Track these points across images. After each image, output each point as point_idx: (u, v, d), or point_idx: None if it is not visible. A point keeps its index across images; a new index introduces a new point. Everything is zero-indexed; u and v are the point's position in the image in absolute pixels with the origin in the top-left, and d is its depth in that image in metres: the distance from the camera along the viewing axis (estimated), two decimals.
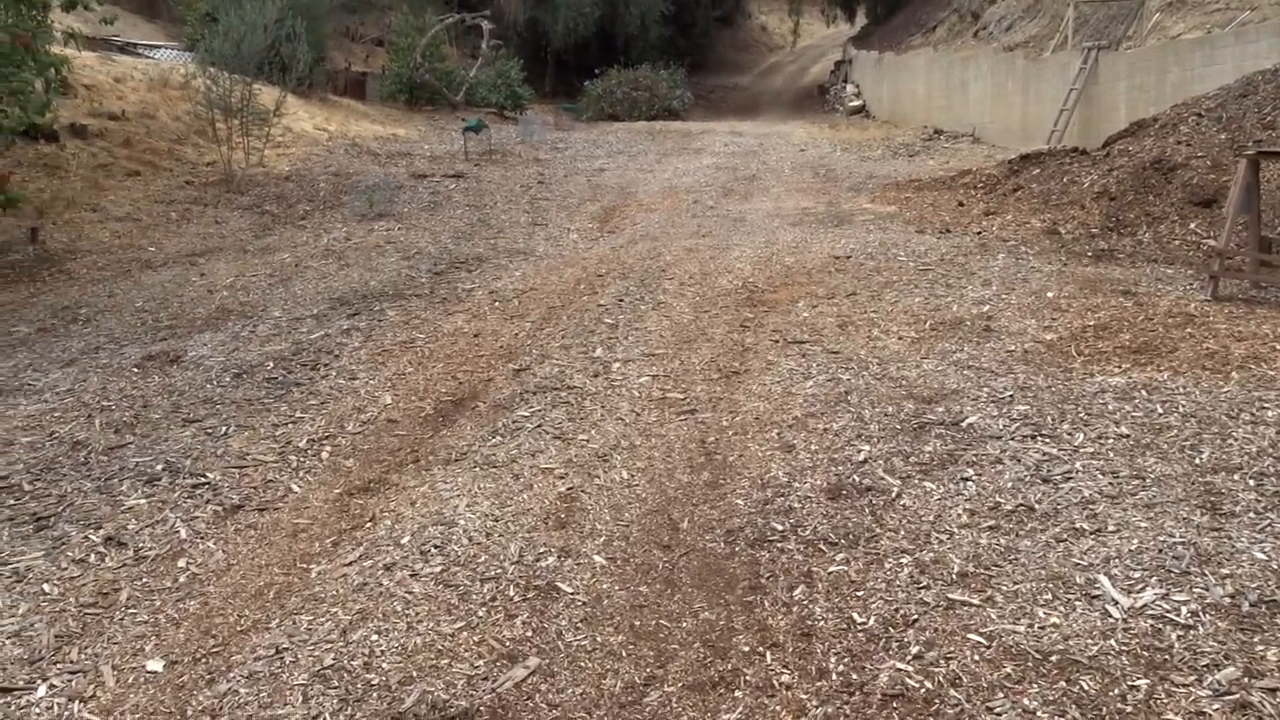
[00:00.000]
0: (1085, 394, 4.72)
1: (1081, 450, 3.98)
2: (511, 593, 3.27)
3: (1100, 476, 3.68)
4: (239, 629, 3.24)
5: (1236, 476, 3.55)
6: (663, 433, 4.73)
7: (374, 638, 3.06)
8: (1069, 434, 4.16)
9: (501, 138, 21.26)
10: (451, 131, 21.69)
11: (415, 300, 8.15)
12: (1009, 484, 3.71)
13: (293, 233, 12.09)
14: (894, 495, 3.73)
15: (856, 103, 26.52)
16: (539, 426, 4.90)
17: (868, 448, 4.23)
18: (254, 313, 8.14)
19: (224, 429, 5.23)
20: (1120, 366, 5.15)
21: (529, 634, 3.02)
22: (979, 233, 9.49)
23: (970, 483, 3.76)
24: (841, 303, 7.08)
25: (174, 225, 12.64)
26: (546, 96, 30.46)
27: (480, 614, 3.15)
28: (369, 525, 3.94)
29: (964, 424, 4.41)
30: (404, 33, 25.38)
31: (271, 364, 6.37)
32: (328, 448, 4.92)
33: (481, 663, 2.89)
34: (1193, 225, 8.57)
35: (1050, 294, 6.77)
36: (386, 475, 4.49)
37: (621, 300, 7.59)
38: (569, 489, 4.08)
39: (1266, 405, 4.31)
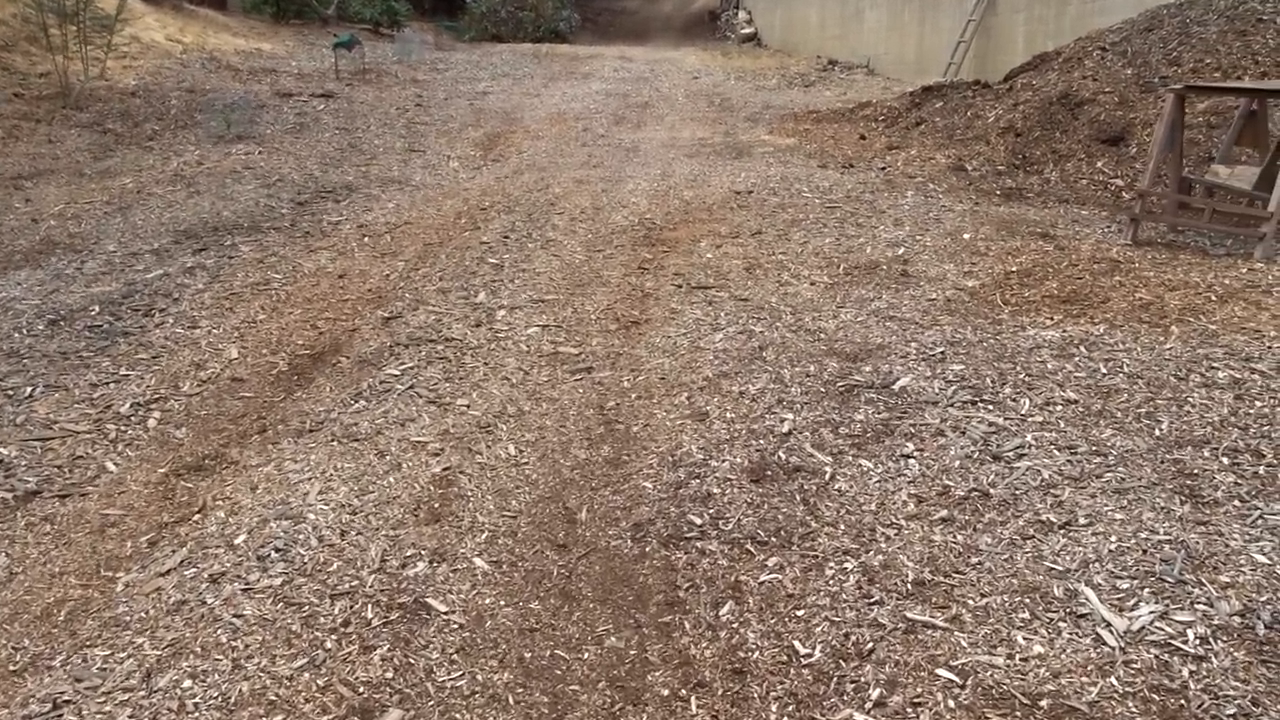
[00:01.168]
0: (1020, 350, 4.28)
1: (1029, 419, 3.53)
2: (370, 614, 2.63)
3: (1057, 453, 3.23)
4: (10, 668, 2.52)
5: (1206, 453, 3.14)
6: (555, 395, 4.11)
7: (187, 683, 2.39)
8: (1012, 399, 3.71)
9: (377, 56, 19.86)
10: (322, 48, 20.14)
11: (273, 234, 7.25)
12: (956, 463, 3.23)
13: (138, 155, 10.85)
14: (827, 477, 3.21)
15: (749, 30, 25.83)
16: (411, 388, 4.22)
17: (791, 416, 3.69)
18: (84, 246, 7.12)
19: (28, 390, 4.38)
20: (1051, 318, 4.75)
21: (390, 674, 2.40)
22: (883, 168, 9.05)
23: (912, 460, 3.26)
24: (747, 243, 6.52)
25: None
26: (426, 14, 28.77)
27: (329, 646, 2.50)
28: (196, 518, 3.22)
29: (896, 386, 3.92)
30: None
31: (97, 309, 5.47)
32: (156, 414, 4.13)
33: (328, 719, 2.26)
34: (1100, 164, 8.29)
35: (966, 235, 6.35)
36: (225, 450, 3.76)
37: (507, 237, 6.86)
38: (445, 470, 3.43)
39: (1215, 365, 3.94)
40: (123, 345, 4.90)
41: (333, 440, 3.70)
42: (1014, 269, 5.57)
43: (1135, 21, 9.98)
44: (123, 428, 4.00)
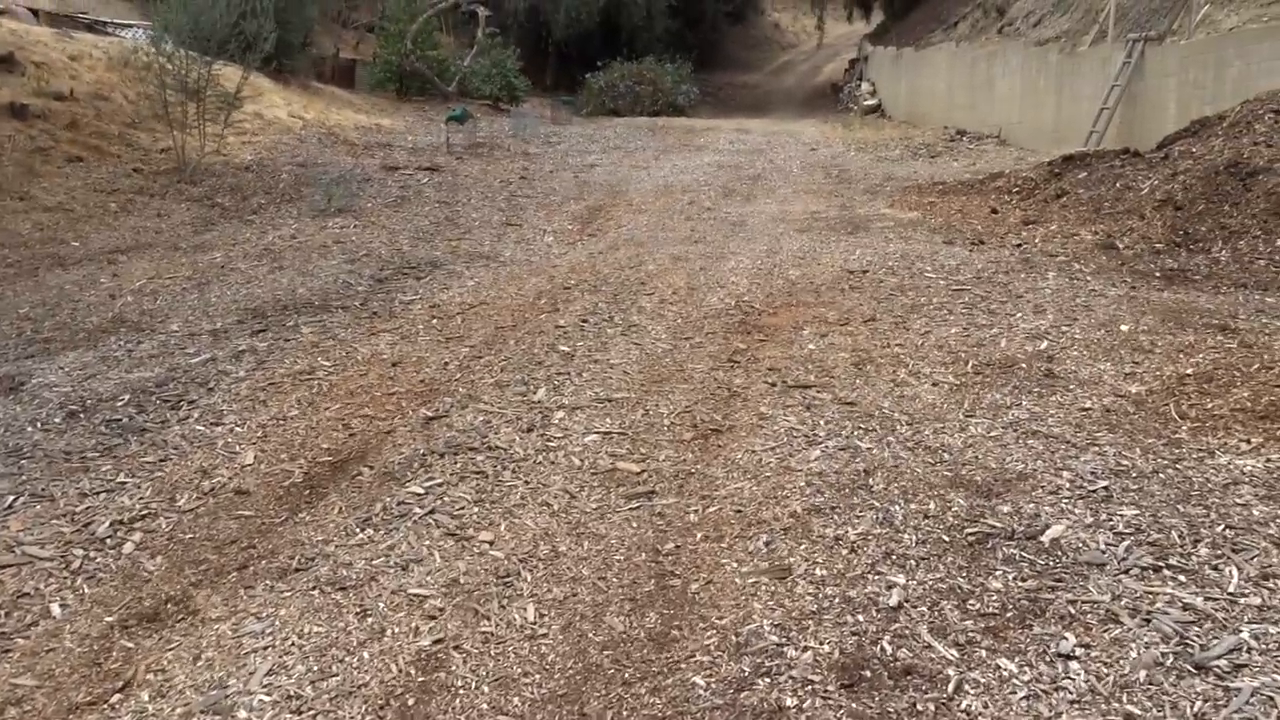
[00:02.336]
0: (1213, 487, 3.26)
1: (1242, 602, 2.53)
2: None
3: None
4: None
5: None
6: (602, 531, 3.28)
7: None
8: (1213, 567, 2.71)
9: (493, 130, 19.87)
10: (440, 124, 20.28)
11: (340, 314, 6.71)
12: (1141, 673, 2.26)
13: (236, 229, 10.67)
14: (950, 687, 2.28)
15: (871, 101, 25.04)
16: (430, 513, 3.46)
17: (903, 579, 2.77)
18: (149, 324, 6.72)
19: (10, 499, 3.80)
20: (1248, 439, 3.69)
21: None
22: (1019, 245, 8.02)
23: (1074, 665, 2.31)
24: (857, 331, 5.62)
25: (109, 217, 11.22)
26: (546, 90, 29.05)
27: None
28: (116, 699, 2.50)
29: (1045, 539, 2.95)
30: (395, 18, 23.94)
31: (126, 399, 4.95)
32: (136, 535, 3.48)
33: None
34: (1279, 241, 7.09)
35: (1124, 327, 5.31)
36: (192, 592, 3.05)
37: (585, 321, 6.14)
38: (437, 643, 2.64)
39: None
40: (133, 445, 4.32)
41: (314, 588, 2.95)
42: (1189, 371, 4.51)
43: None
44: (92, 554, 3.35)
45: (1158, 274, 6.84)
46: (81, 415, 4.73)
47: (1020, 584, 2.70)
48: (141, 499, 3.78)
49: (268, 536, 3.41)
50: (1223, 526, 2.95)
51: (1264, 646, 2.33)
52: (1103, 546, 2.87)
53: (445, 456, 3.98)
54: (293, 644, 2.64)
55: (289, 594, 2.92)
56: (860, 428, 4.09)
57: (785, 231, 9.40)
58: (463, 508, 3.49)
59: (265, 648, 2.63)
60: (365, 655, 2.58)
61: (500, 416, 4.42)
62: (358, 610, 2.80)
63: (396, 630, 2.69)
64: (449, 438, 4.19)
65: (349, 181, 12.86)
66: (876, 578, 2.78)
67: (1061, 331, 5.33)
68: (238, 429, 4.49)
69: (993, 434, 3.94)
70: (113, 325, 6.79)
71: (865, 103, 25.01)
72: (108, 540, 3.46)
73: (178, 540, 3.44)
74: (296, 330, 6.30)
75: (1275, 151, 7.84)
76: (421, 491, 3.64)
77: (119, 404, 4.88)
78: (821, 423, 4.18)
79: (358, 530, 3.36)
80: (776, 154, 16.34)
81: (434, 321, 6.40)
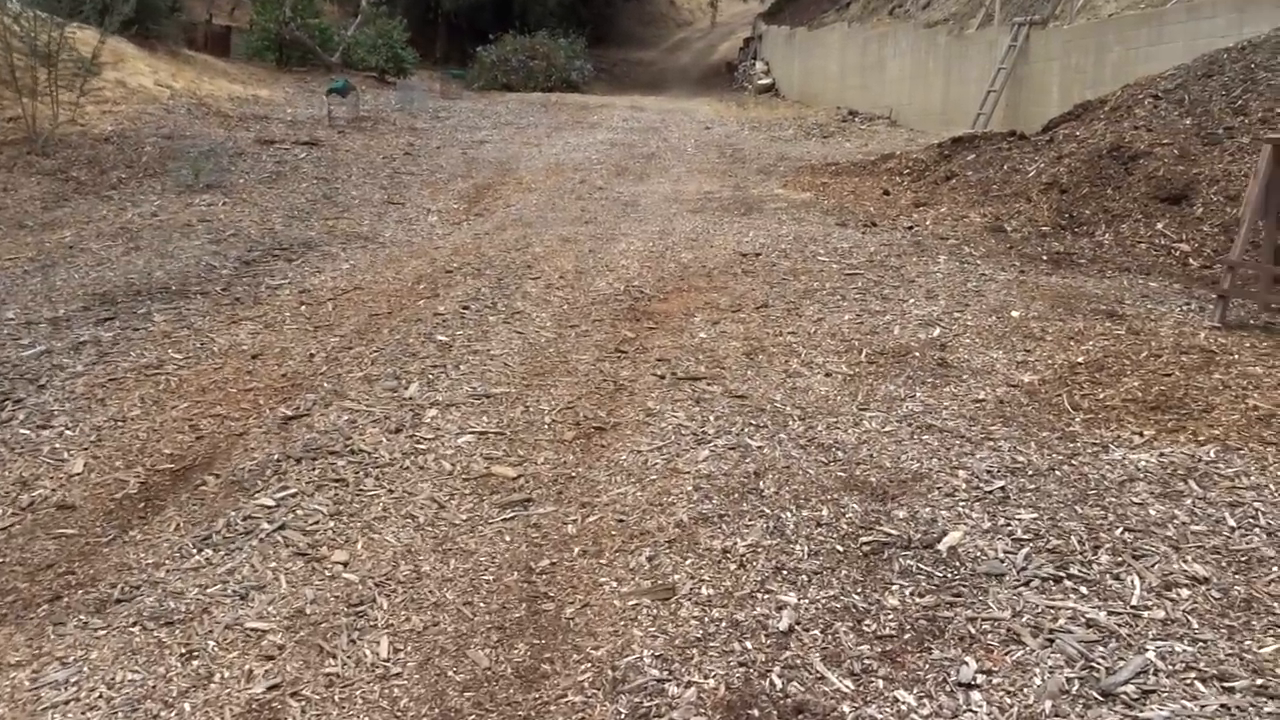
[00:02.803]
0: (1109, 484, 3.15)
1: (1146, 615, 2.39)
2: None
3: (1202, 689, 2.08)
4: None
5: None
6: (471, 546, 2.98)
7: None
8: (1114, 576, 2.57)
9: (378, 104, 19.13)
10: (322, 95, 19.40)
11: (199, 300, 6.21)
12: (1046, 704, 2.08)
13: (92, 205, 9.91)
14: None
15: (766, 81, 25.04)
16: (280, 528, 3.11)
17: (794, 598, 2.55)
18: None
19: None
20: (1140, 432, 3.61)
21: None
22: (910, 227, 7.96)
23: (976, 695, 2.12)
24: (749, 318, 5.42)
25: None
26: (435, 63, 28.20)
27: None
28: None
29: (943, 547, 2.78)
30: None
31: None
32: None
33: None
34: (1161, 225, 7.17)
35: (1015, 313, 5.23)
36: None
37: (467, 308, 5.79)
38: (272, 689, 2.31)
39: None
40: None
41: (135, 624, 2.58)
42: (1080, 360, 4.44)
43: (1191, 67, 8.92)
44: None
45: (1045, 257, 6.83)
46: None
47: (918, 600, 2.52)
48: None
49: (90, 560, 3.01)
50: (1121, 530, 2.82)
51: (1170, 667, 2.18)
52: (1001, 555, 2.71)
53: (302, 462, 3.62)
54: (100, 695, 2.27)
55: (104, 632, 2.55)
56: (751, 424, 3.88)
57: (678, 212, 9.17)
58: (317, 522, 3.14)
59: (67, 701, 2.26)
60: (186, 707, 2.23)
61: (367, 415, 4.07)
62: (183, 650, 2.44)
63: (227, 674, 2.35)
64: (308, 440, 3.82)
65: (219, 155, 12.13)
66: (766, 597, 2.56)
67: (954, 318, 5.23)
68: (68, 432, 4.03)
69: (887, 429, 3.78)
70: None
71: (760, 82, 24.98)
72: None
73: None
74: (148, 318, 5.79)
75: (1155, 136, 7.94)
76: (271, 504, 3.28)
77: None
78: (711, 419, 3.95)
79: (194, 551, 2.98)
80: (671, 132, 16.10)
81: (303, 309, 5.96)
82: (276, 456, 3.67)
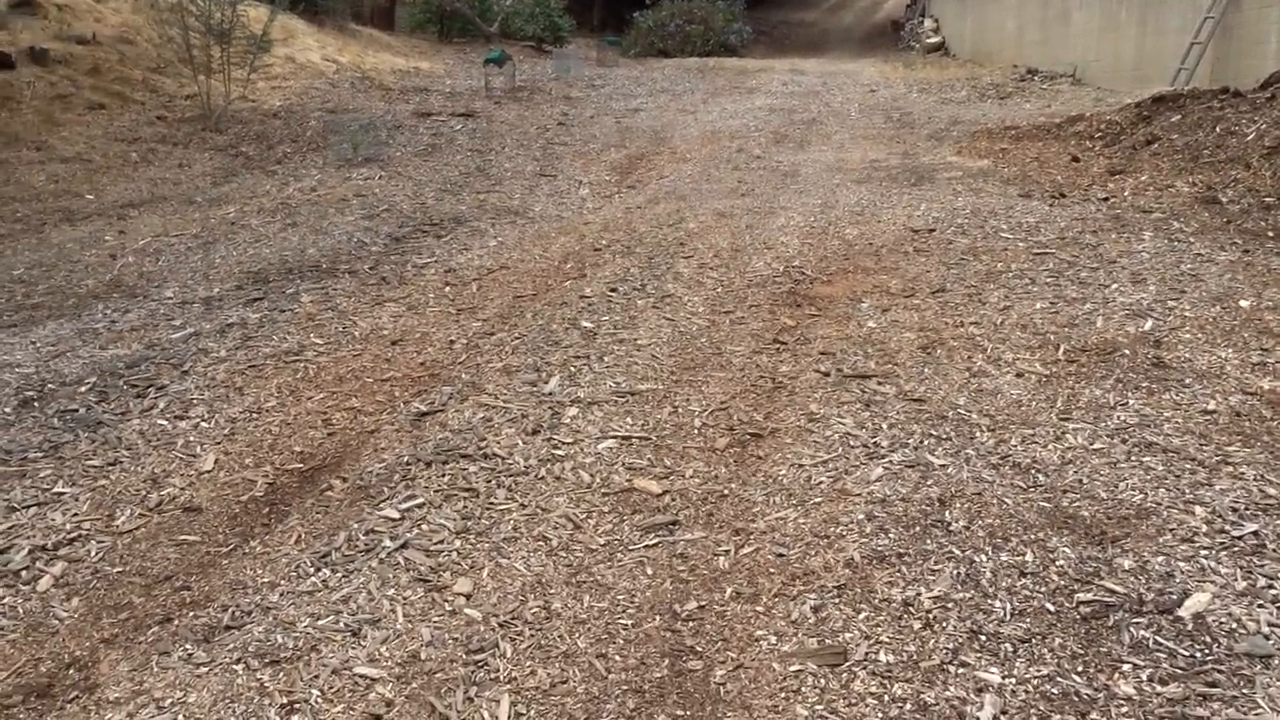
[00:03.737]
0: None
1: None
2: None
3: None
4: None
5: None
6: (609, 579, 2.62)
7: None
8: None
9: (535, 73, 19.06)
10: (480, 66, 19.49)
11: (347, 279, 6.09)
12: None
13: (256, 180, 10.09)
14: None
15: (935, 39, 23.70)
16: (403, 546, 2.83)
17: (997, 677, 2.08)
18: (144, 289, 6.18)
19: None
20: None
21: None
22: (1106, 199, 7.14)
23: None
24: (924, 305, 4.86)
25: (129, 169, 10.69)
26: (592, 30, 28.03)
27: None
28: None
29: (1185, 614, 2.24)
30: None
31: (91, 383, 4.38)
32: (56, 568, 2.91)
33: None
34: None
35: (1244, 303, 4.48)
36: (100, 653, 2.47)
37: (614, 290, 5.45)
38: None
39: None
40: (83, 443, 3.74)
41: (240, 660, 2.33)
42: None
43: None
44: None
45: (1271, 234, 5.94)
46: (36, 403, 4.16)
47: (1159, 689, 2.00)
48: (76, 516, 3.20)
49: (208, 573, 2.81)
50: None
51: None
52: (1266, 629, 2.15)
53: (433, 466, 3.34)
54: None
55: (207, 668, 2.31)
56: (932, 435, 3.37)
57: (842, 183, 8.57)
58: (442, 540, 2.85)
59: None
60: None
61: (503, 413, 3.77)
62: (284, 701, 2.17)
63: None
64: (440, 440, 3.54)
65: (378, 129, 12.22)
66: (961, 671, 2.09)
67: (1168, 308, 4.53)
68: (204, 424, 3.89)
69: (1097, 446, 3.20)
70: (106, 290, 6.26)
71: (928, 40, 23.67)
72: (23, 573, 2.88)
73: (103, 575, 2.86)
74: (296, 299, 5.69)
75: None
76: (396, 516, 3.00)
77: (81, 390, 4.31)
78: (884, 427, 3.46)
79: (311, 570, 2.73)
80: (833, 96, 15.34)
81: (446, 290, 5.75)
82: (406, 459, 3.40)
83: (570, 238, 6.96)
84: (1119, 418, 3.44)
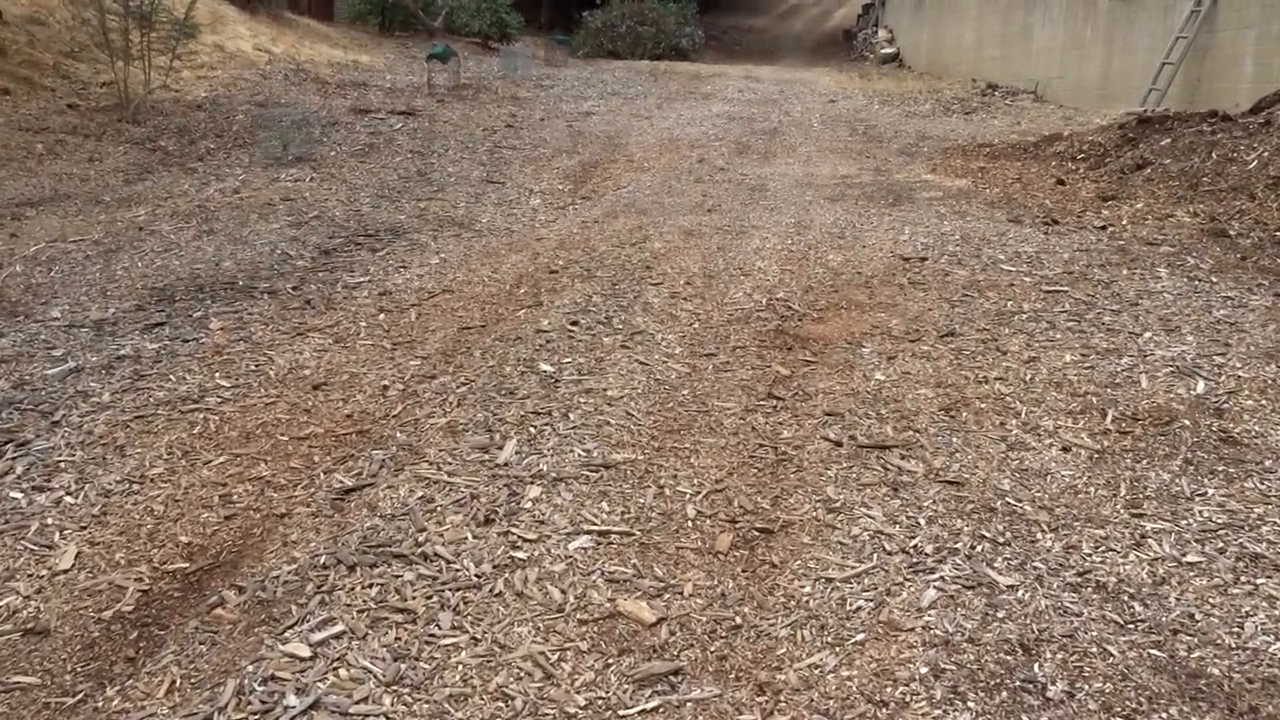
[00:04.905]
0: None
1: None
2: None
3: None
4: None
5: None
6: None
7: None
8: None
9: (480, 71, 18.23)
10: (423, 61, 18.59)
11: (265, 301, 5.29)
12: None
13: (174, 178, 9.17)
14: None
15: (889, 50, 23.35)
16: (312, 708, 2.08)
17: None
18: (28, 307, 5.31)
19: None
20: None
21: None
22: (1104, 227, 6.61)
23: None
24: (936, 352, 4.23)
25: (31, 161, 9.68)
26: (541, 28, 27.22)
27: None
28: None
29: None
30: None
31: None
32: None
33: None
34: None
35: None
36: None
37: (576, 322, 4.73)
38: None
39: None
40: None
41: None
42: None
43: None
44: None
45: None
46: None
47: None
48: None
49: None
50: None
51: None
52: None
53: (357, 570, 2.60)
54: None
55: None
56: (984, 535, 2.72)
57: (814, 200, 7.96)
58: (366, 698, 2.11)
59: None
60: None
61: (448, 491, 3.03)
62: None
63: None
64: (368, 530, 2.80)
65: (311, 125, 11.35)
66: None
67: (1215, 364, 3.95)
68: (69, 499, 3.09)
69: (1191, 559, 2.58)
70: None
71: (882, 51, 23.32)
72: None
73: None
74: (203, 325, 4.88)
75: None
76: (306, 654, 2.26)
77: None
78: (922, 522, 2.80)
79: None
80: (792, 105, 14.78)
81: (381, 318, 4.98)
82: (324, 559, 2.65)
83: (522, 256, 6.23)
84: (1202, 514, 2.82)
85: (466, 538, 2.76)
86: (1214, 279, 5.24)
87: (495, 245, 6.60)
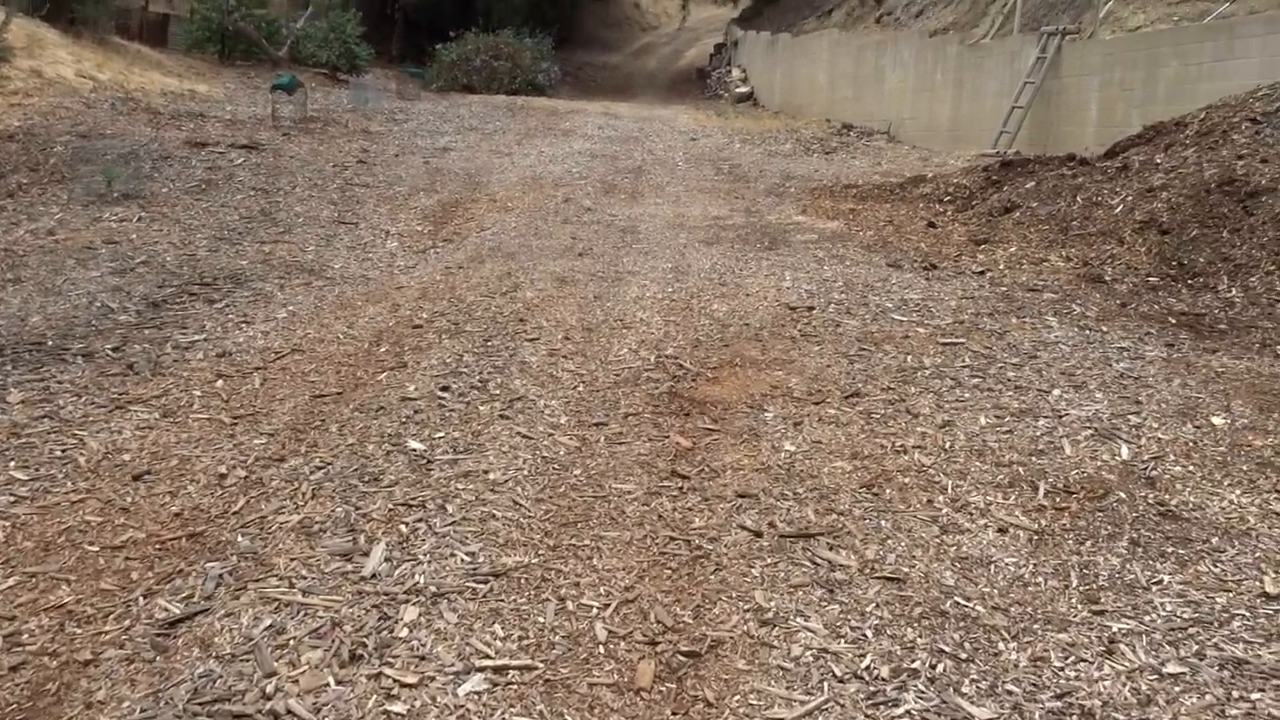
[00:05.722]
0: None
1: None
2: None
3: None
4: None
5: None
6: None
7: None
8: None
9: (328, 104, 17.39)
10: (266, 92, 17.59)
11: (79, 365, 4.56)
12: None
13: None
14: None
15: (744, 89, 23.66)
16: None
17: None
18: None
19: None
20: None
21: None
22: (982, 272, 6.53)
23: None
24: (844, 416, 3.92)
25: None
26: (391, 60, 26.41)
27: None
28: None
29: None
30: None
31: None
32: None
33: None
34: None
35: (1216, 420, 3.78)
36: None
37: (446, 389, 4.22)
38: None
39: None
40: None
41: None
42: None
43: None
44: None
45: (1173, 320, 5.43)
46: None
47: None
48: None
49: None
50: None
51: None
52: None
53: None
54: None
55: None
56: (941, 648, 2.36)
57: (689, 243, 7.66)
58: None
59: None
60: None
61: (302, 618, 2.48)
62: None
63: None
64: (200, 681, 2.23)
65: (141, 160, 10.39)
66: None
67: (1132, 425, 3.76)
68: None
69: (1171, 669, 2.29)
70: None
71: (737, 90, 23.60)
72: None
73: None
74: (1, 394, 4.13)
75: (1276, 169, 6.58)
76: None
77: None
78: (869, 634, 2.43)
79: None
80: (654, 143, 14.59)
81: (219, 384, 4.34)
82: None
83: (381, 307, 5.66)
84: (1166, 608, 2.55)
85: (328, 684, 2.22)
86: (1103, 328, 5.15)
87: (350, 295, 6.00)
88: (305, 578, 2.69)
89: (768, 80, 22.65)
